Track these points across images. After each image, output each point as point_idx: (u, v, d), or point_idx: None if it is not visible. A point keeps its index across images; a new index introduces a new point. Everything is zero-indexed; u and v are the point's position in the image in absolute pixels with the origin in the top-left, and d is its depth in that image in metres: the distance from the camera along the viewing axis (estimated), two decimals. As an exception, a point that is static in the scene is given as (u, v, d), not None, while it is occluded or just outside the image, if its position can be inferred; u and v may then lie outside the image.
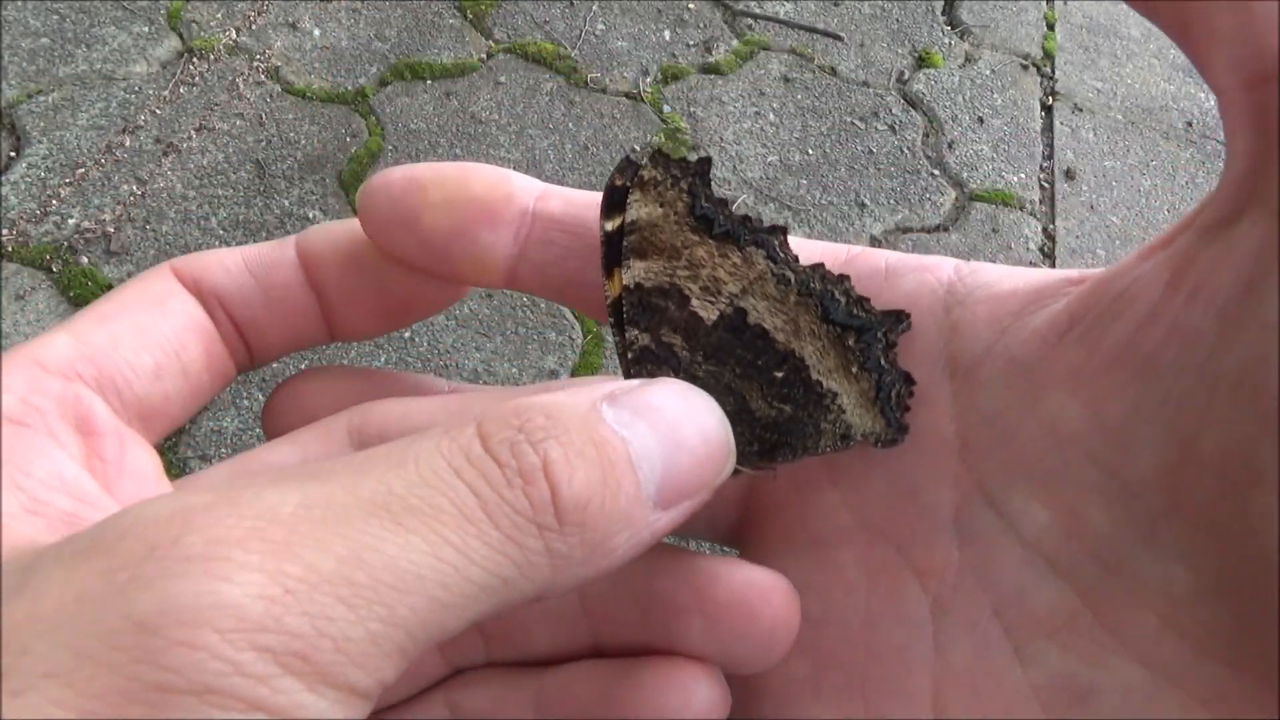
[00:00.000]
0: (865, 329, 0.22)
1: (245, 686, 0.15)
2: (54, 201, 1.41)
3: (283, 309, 0.26)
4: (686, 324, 0.22)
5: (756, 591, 0.21)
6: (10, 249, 1.35)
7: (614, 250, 0.22)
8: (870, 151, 1.71)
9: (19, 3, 1.66)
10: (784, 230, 0.23)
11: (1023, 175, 1.74)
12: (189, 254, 0.27)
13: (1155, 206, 1.78)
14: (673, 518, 0.19)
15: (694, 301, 0.22)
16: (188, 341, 0.25)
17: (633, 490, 0.18)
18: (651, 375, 0.22)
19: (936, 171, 1.71)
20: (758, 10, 1.93)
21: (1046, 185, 1.75)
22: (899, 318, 0.22)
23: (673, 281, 0.22)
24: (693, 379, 0.22)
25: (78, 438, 0.23)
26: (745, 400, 0.23)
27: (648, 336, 0.22)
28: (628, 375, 0.23)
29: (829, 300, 0.22)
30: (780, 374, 0.22)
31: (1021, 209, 1.68)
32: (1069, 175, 1.77)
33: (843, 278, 0.22)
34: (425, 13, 1.78)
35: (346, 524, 0.17)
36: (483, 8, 1.81)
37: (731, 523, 0.26)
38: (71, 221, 1.39)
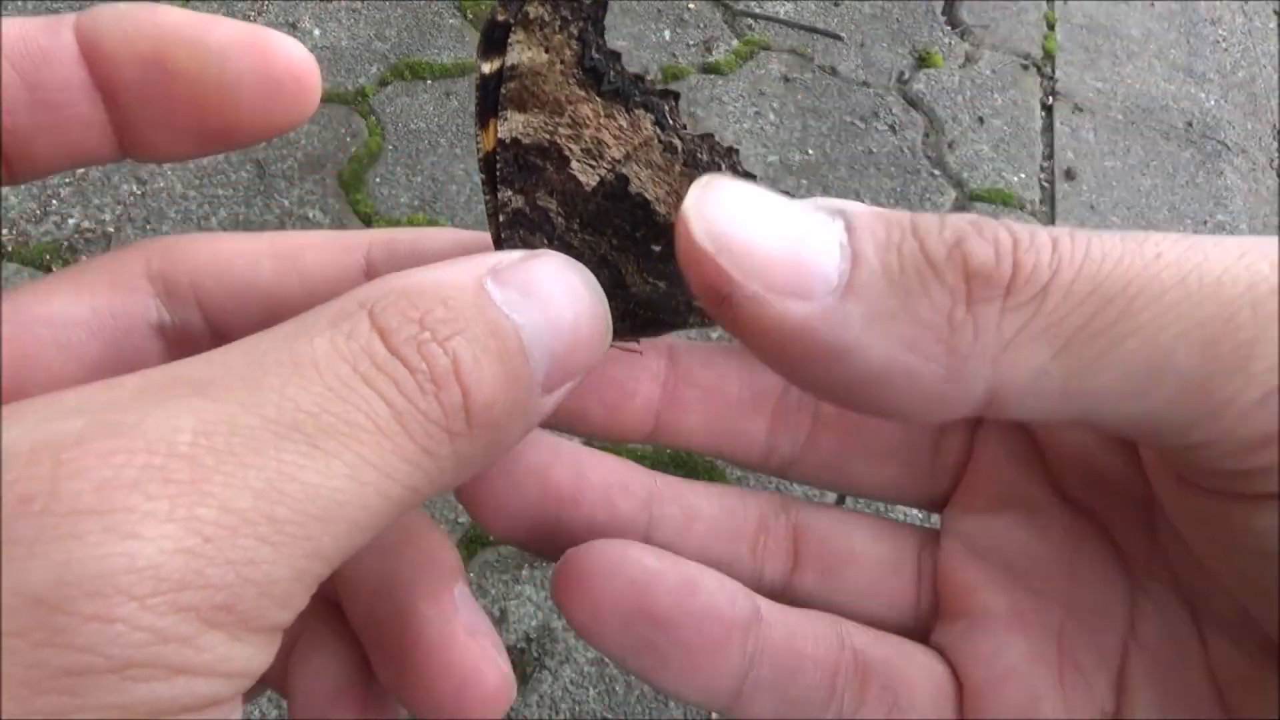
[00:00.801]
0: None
1: (170, 653, 0.13)
2: (54, 201, 1.41)
3: (57, 115, 0.20)
4: (564, 188, 0.20)
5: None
6: (10, 249, 1.35)
7: (489, 98, 0.20)
8: (870, 151, 1.71)
9: (19, 3, 1.66)
10: (676, 96, 0.20)
11: (1023, 175, 1.74)
12: None
13: (1155, 206, 1.78)
14: (555, 400, 0.18)
15: (574, 164, 0.20)
16: None
17: (528, 380, 0.17)
18: (525, 241, 0.20)
19: (937, 171, 1.71)
20: (758, 10, 1.93)
21: (1047, 185, 1.75)
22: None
23: (553, 140, 0.20)
24: (567, 248, 0.20)
25: None
26: (620, 274, 0.20)
27: (522, 199, 0.20)
28: (498, 240, 0.21)
29: (712, 170, 0.19)
30: (658, 248, 0.20)
31: (1022, 209, 1.68)
32: (1069, 175, 1.77)
33: (731, 150, 0.20)
34: (425, 13, 1.78)
35: (258, 452, 0.14)
36: (483, 8, 1.81)
37: (945, 489, 0.25)
38: (72, 221, 1.39)
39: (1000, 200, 1.68)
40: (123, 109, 0.21)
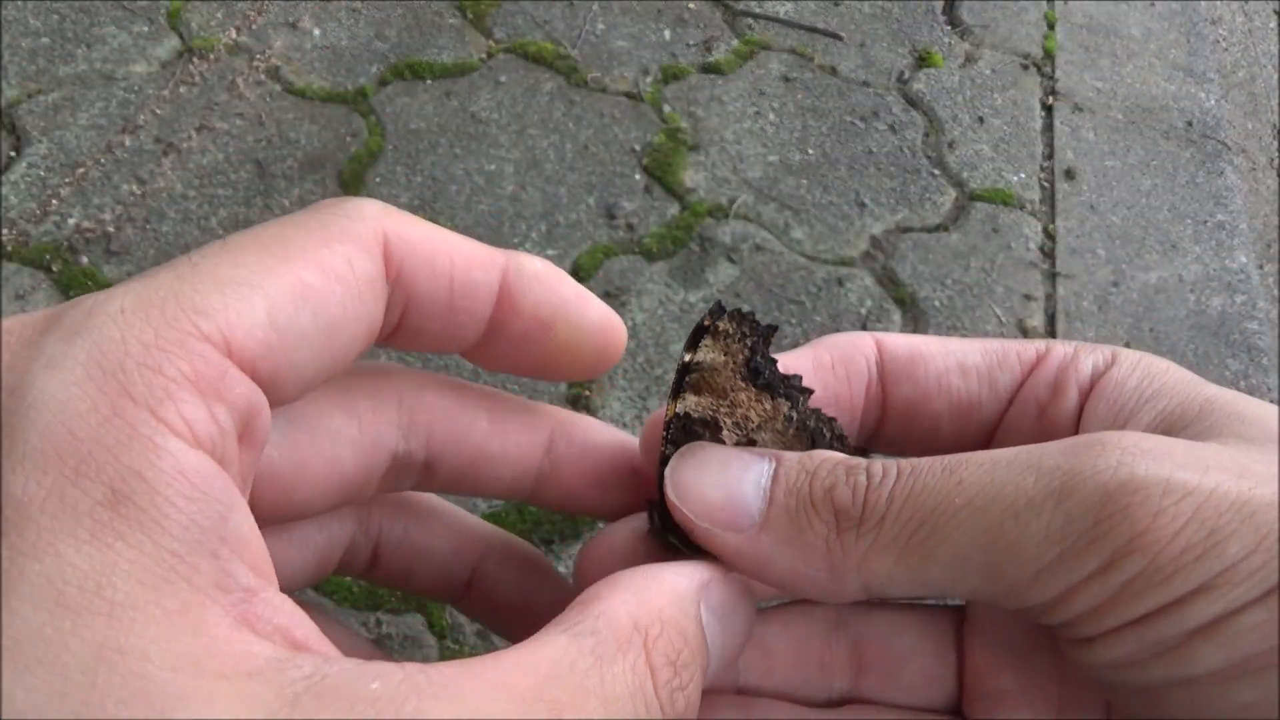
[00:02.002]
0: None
1: None
2: (54, 201, 1.41)
3: (450, 330, 0.25)
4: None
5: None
6: (10, 249, 1.35)
7: (680, 378, 0.27)
8: (870, 151, 1.71)
9: (19, 2, 1.66)
10: (809, 391, 0.27)
11: (1023, 175, 1.74)
12: (405, 221, 0.24)
13: (1155, 206, 1.78)
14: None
15: (724, 433, 0.27)
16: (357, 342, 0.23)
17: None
18: None
19: (937, 171, 1.71)
20: (758, 10, 1.93)
21: (1047, 185, 1.75)
22: (865, 452, 0.27)
23: (715, 416, 0.27)
24: None
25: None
26: None
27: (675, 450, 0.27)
28: (659, 480, 0.27)
29: (818, 435, 0.27)
30: None
31: (1022, 209, 1.68)
32: (1069, 175, 1.77)
33: (833, 420, 0.27)
34: (425, 12, 1.78)
35: None
36: (483, 7, 1.80)
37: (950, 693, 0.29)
38: (71, 221, 1.39)
39: (1000, 200, 1.68)
40: (494, 346, 0.26)
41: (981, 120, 1.81)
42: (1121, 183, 1.80)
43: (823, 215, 1.60)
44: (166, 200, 1.44)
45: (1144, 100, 1.97)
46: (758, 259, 1.51)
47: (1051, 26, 2.06)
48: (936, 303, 1.51)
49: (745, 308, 0.28)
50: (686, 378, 0.27)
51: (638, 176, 1.59)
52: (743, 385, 0.27)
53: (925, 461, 0.22)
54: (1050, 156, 1.79)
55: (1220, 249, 1.74)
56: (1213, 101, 2.01)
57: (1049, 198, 1.73)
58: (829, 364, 0.28)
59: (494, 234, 1.46)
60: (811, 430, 0.27)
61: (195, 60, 1.62)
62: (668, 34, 1.84)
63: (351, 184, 1.49)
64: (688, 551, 0.25)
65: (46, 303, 1.31)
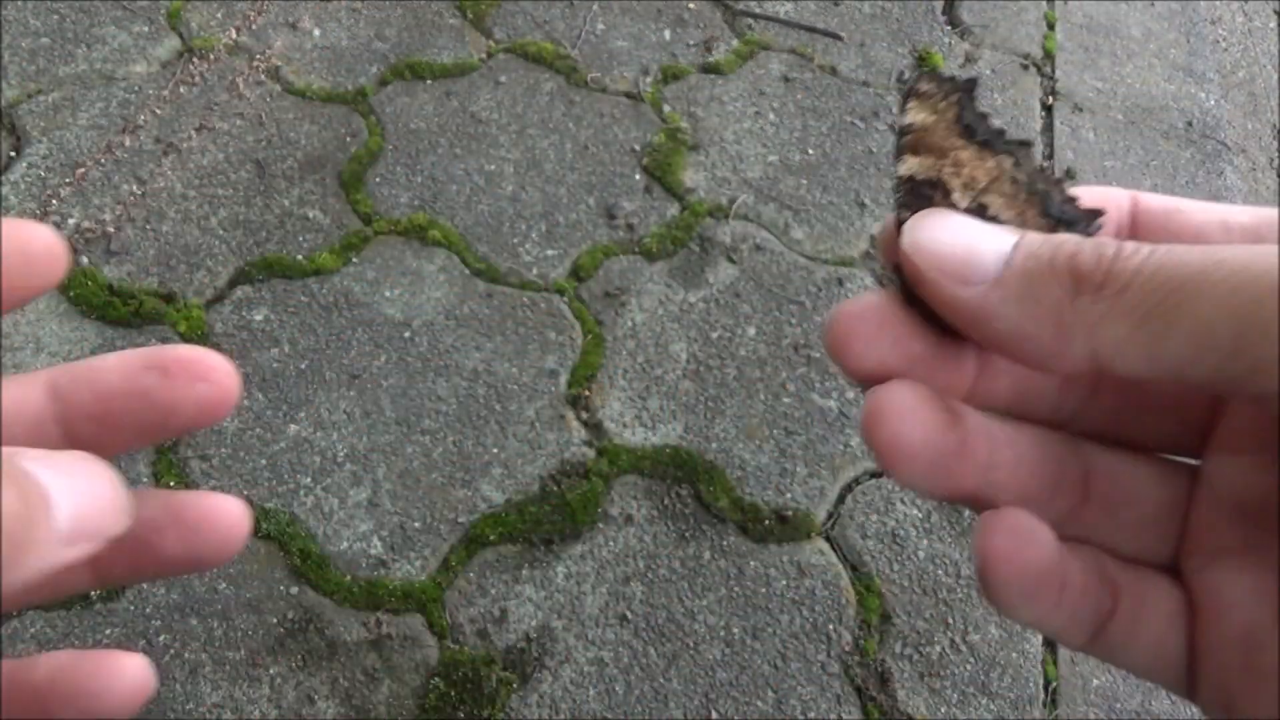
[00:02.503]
0: (1073, 221, 0.27)
1: None
2: (54, 201, 1.41)
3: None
4: (947, 210, 0.27)
5: (218, 509, 0.26)
6: (10, 249, 1.35)
7: (899, 142, 0.28)
8: (871, 151, 1.71)
9: (19, 2, 1.66)
10: (1029, 144, 0.28)
11: (1023, 175, 1.74)
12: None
13: (1155, 206, 1.78)
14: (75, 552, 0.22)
15: (955, 194, 0.27)
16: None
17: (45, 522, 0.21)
18: None
19: (936, 171, 1.71)
20: (758, 10, 1.93)
21: (1046, 185, 1.75)
22: (1098, 213, 0.27)
23: (940, 176, 0.27)
24: None
25: None
26: None
27: (909, 214, 0.27)
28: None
29: (1048, 198, 0.27)
30: None
31: (1021, 209, 1.68)
32: (1069, 175, 1.77)
33: (1060, 181, 0.27)
34: (425, 12, 1.78)
35: None
36: (483, 7, 1.81)
37: (1205, 438, 0.28)
38: (72, 221, 1.39)
39: (1000, 200, 1.68)
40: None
41: (981, 120, 1.81)
42: (1121, 182, 1.80)
43: (823, 215, 1.60)
44: (166, 200, 1.44)
45: (1144, 100, 1.97)
46: (758, 259, 1.51)
47: (1051, 26, 2.06)
48: (936, 303, 1.51)
49: (945, 72, 0.28)
50: (900, 140, 0.27)
51: (638, 176, 1.59)
52: (960, 143, 0.27)
53: (1183, 246, 0.22)
54: (1050, 156, 1.79)
55: (1220, 249, 1.74)
56: (1212, 101, 2.01)
57: (1049, 198, 1.73)
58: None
59: (494, 234, 1.46)
60: (1041, 192, 0.26)
61: (195, 60, 1.62)
62: (668, 34, 1.84)
63: (351, 184, 1.49)
64: (931, 320, 0.26)
65: (47, 302, 1.31)
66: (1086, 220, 0.27)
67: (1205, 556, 0.26)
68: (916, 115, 0.27)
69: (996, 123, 0.27)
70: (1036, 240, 0.24)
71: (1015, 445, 0.26)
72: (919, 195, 0.27)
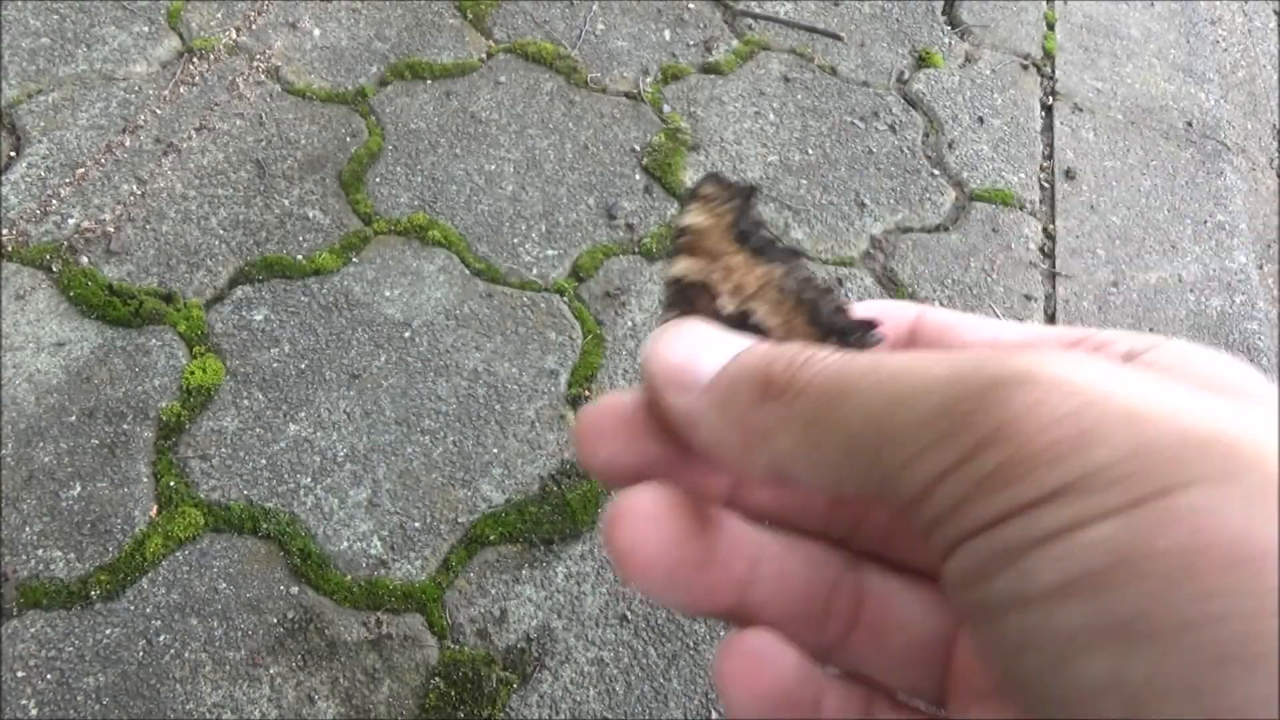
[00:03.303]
0: (844, 331, 0.26)
1: None
2: (54, 201, 1.41)
3: None
4: (712, 313, 0.27)
5: None
6: (10, 249, 1.35)
7: (674, 243, 0.28)
8: (870, 151, 1.71)
9: (19, 2, 1.66)
10: (800, 254, 0.28)
11: (1023, 175, 1.74)
12: None
13: (1155, 206, 1.78)
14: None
15: (722, 299, 0.27)
16: None
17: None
18: None
19: (936, 171, 1.71)
20: (758, 10, 1.93)
21: (1046, 185, 1.75)
22: (871, 325, 0.26)
23: (708, 280, 0.27)
24: None
25: None
26: None
27: (679, 319, 0.27)
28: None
29: (815, 307, 0.26)
30: None
31: (1021, 209, 1.68)
32: (1069, 175, 1.77)
33: (829, 290, 0.27)
34: (425, 13, 1.78)
35: None
36: (483, 8, 1.81)
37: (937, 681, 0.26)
38: (71, 221, 1.39)
39: (1000, 200, 1.68)
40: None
41: (981, 120, 1.81)
42: (1121, 183, 1.80)
43: (823, 215, 1.60)
44: (166, 200, 1.44)
45: (1144, 100, 1.97)
46: (758, 259, 1.51)
47: (1051, 27, 2.06)
48: (936, 303, 1.51)
49: (728, 176, 0.28)
50: (676, 241, 0.28)
51: (637, 176, 1.59)
52: (733, 249, 0.27)
53: (872, 356, 0.21)
54: (1050, 157, 1.79)
55: (1220, 249, 1.74)
56: (1212, 102, 2.01)
57: (1049, 198, 1.73)
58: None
59: (494, 234, 1.46)
60: (809, 301, 0.26)
61: (195, 60, 1.62)
62: (668, 34, 1.84)
63: (351, 184, 1.49)
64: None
65: (46, 302, 1.31)
66: (860, 330, 0.26)
67: (967, 697, 0.24)
68: (695, 218, 0.27)
69: (769, 233, 0.27)
70: (757, 349, 0.23)
71: (782, 561, 0.25)
72: (684, 297, 0.27)
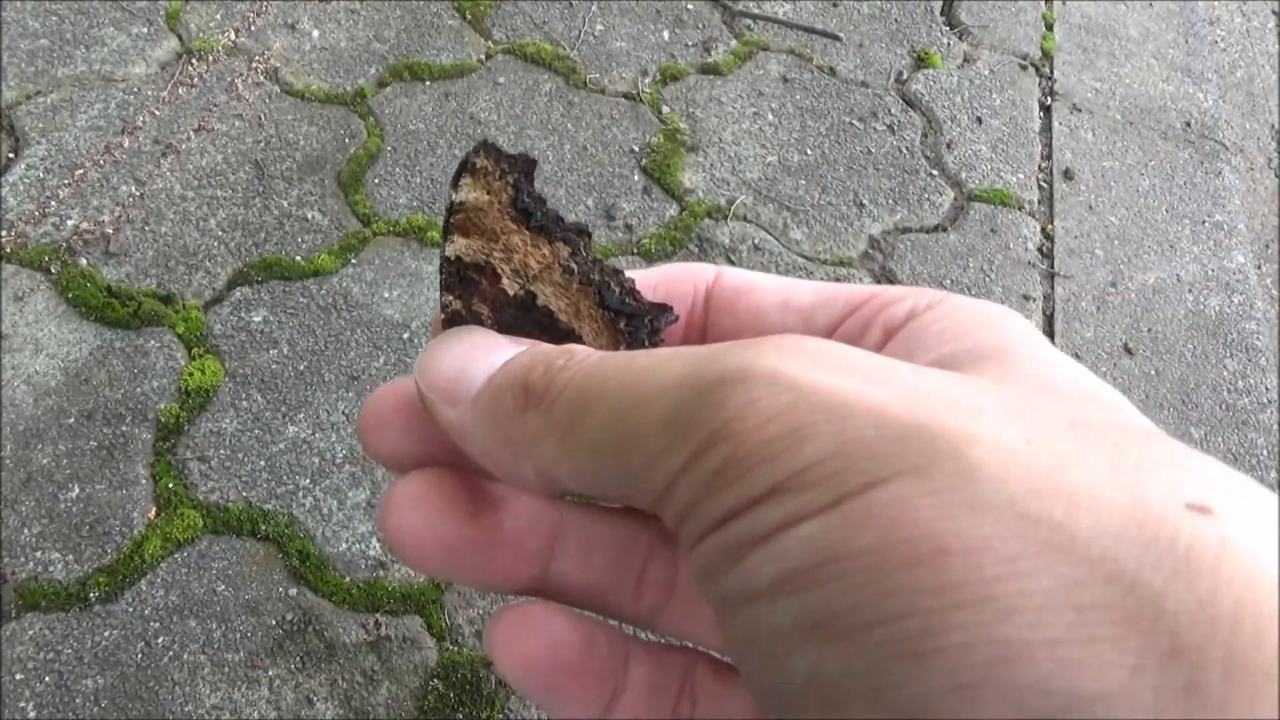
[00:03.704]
0: (634, 315, 0.25)
1: None
2: (53, 203, 1.41)
3: None
4: (495, 298, 0.26)
5: None
6: (9, 250, 1.35)
7: (447, 220, 0.26)
8: (869, 151, 1.71)
9: (18, 4, 1.66)
10: (588, 232, 0.26)
11: (1021, 175, 1.74)
12: None
13: (1154, 206, 1.78)
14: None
15: (504, 281, 0.25)
16: None
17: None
18: None
19: (935, 172, 1.71)
20: (756, 10, 1.93)
21: (1045, 185, 1.75)
22: (664, 309, 0.25)
23: (489, 260, 0.25)
24: None
25: None
26: None
27: (460, 303, 0.26)
28: (439, 331, 0.27)
29: (605, 289, 0.25)
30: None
31: (1020, 209, 1.68)
32: (1067, 175, 1.77)
33: (618, 272, 0.26)
34: (424, 14, 1.78)
35: None
36: (481, 9, 1.81)
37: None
38: (70, 223, 1.39)
39: (999, 200, 1.68)
40: None
41: (980, 121, 1.81)
42: (1120, 183, 1.80)
43: (821, 216, 1.60)
44: (165, 201, 1.44)
45: (1142, 101, 1.97)
46: (756, 259, 1.51)
47: (1050, 27, 2.06)
48: (935, 303, 1.51)
49: (503, 146, 0.26)
50: (450, 219, 0.25)
51: (636, 177, 1.59)
52: (514, 227, 0.25)
53: (627, 354, 0.21)
54: (1048, 157, 1.79)
55: (1218, 249, 1.74)
56: (1211, 102, 2.01)
57: (1047, 198, 1.73)
58: (653, 286, 0.27)
59: (493, 235, 1.46)
60: (597, 283, 0.25)
61: (194, 62, 1.62)
62: (666, 35, 1.84)
63: (350, 185, 1.50)
64: None
65: (45, 304, 1.31)
66: (653, 313, 0.25)
67: None
68: (470, 193, 0.25)
69: (551, 209, 0.26)
70: (519, 358, 0.23)
71: (588, 535, 0.25)
72: (464, 280, 0.25)
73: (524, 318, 0.26)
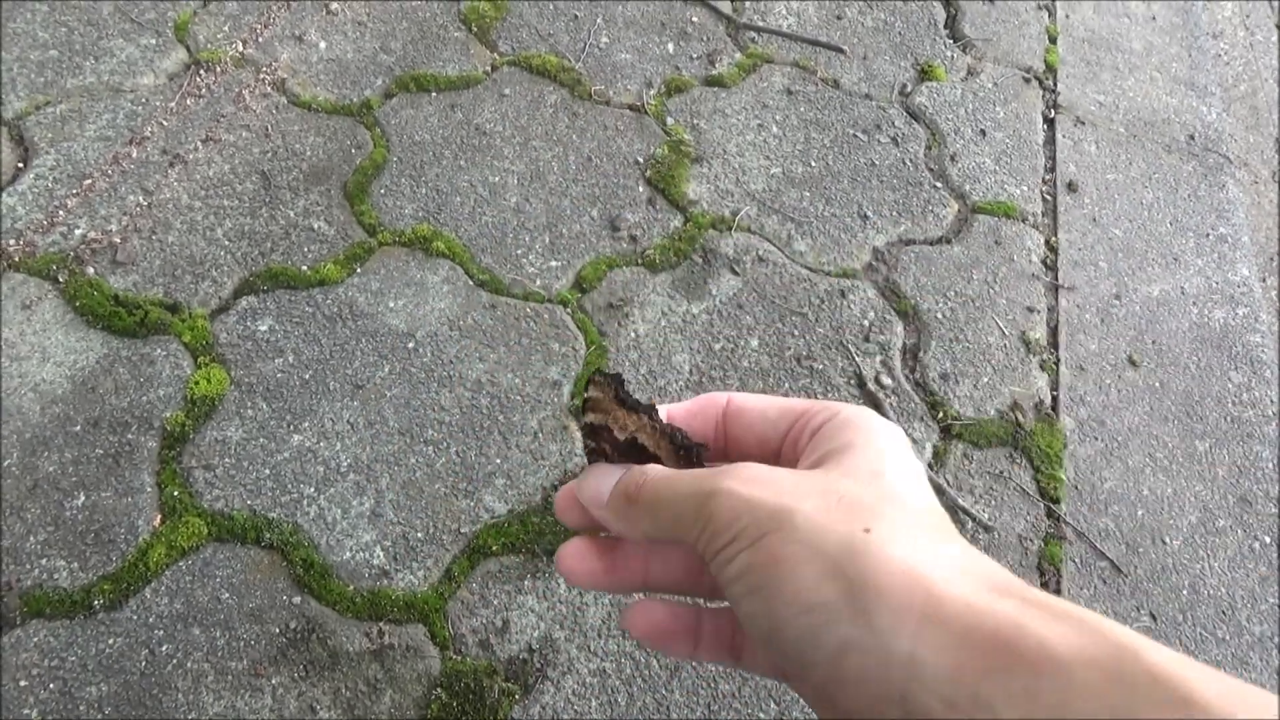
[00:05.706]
0: (690, 448, 0.43)
1: None
2: (61, 212, 1.42)
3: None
4: (612, 441, 0.45)
5: None
6: (17, 259, 1.36)
7: (583, 405, 0.46)
8: (873, 164, 1.72)
9: (28, 15, 1.67)
10: (654, 408, 0.44)
11: (1025, 188, 1.74)
12: None
13: (1157, 219, 1.78)
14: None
15: (615, 431, 0.44)
16: None
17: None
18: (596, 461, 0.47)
19: (939, 184, 1.71)
20: (761, 23, 1.94)
21: (1049, 198, 1.75)
22: (704, 446, 0.43)
23: (605, 423, 0.45)
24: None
25: None
26: None
27: (594, 443, 0.45)
28: (588, 459, 0.46)
29: (674, 436, 0.43)
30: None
31: (1024, 221, 1.69)
32: (1071, 188, 1.77)
33: (678, 430, 0.44)
34: (430, 25, 1.79)
35: None
36: (487, 21, 1.82)
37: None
38: (78, 232, 1.40)
39: (1002, 212, 1.69)
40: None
41: (983, 133, 1.82)
42: (1123, 195, 1.80)
43: (825, 227, 1.61)
44: (172, 211, 1.45)
45: (1145, 113, 1.97)
46: (760, 271, 1.52)
47: (1053, 40, 2.07)
48: (939, 315, 1.51)
49: (607, 370, 0.42)
50: (585, 404, 0.45)
51: (641, 188, 1.59)
52: (617, 407, 0.45)
53: (674, 473, 0.40)
54: (1052, 169, 1.80)
55: (1222, 262, 1.74)
56: (1214, 115, 2.01)
57: (1051, 210, 1.73)
58: (695, 412, 0.46)
59: (497, 245, 1.47)
60: (670, 433, 0.44)
61: (202, 72, 1.63)
62: (671, 47, 1.85)
63: (356, 195, 1.50)
64: None
65: (53, 312, 1.31)
66: (699, 446, 0.43)
67: None
68: (594, 392, 0.45)
69: (639, 397, 0.44)
70: (625, 477, 0.42)
71: (667, 560, 0.44)
72: (595, 433, 0.45)
73: (630, 450, 0.44)
